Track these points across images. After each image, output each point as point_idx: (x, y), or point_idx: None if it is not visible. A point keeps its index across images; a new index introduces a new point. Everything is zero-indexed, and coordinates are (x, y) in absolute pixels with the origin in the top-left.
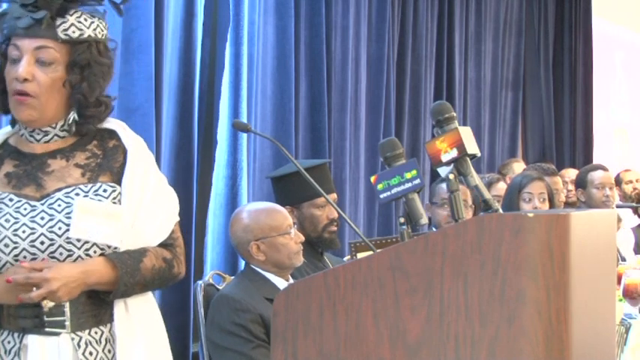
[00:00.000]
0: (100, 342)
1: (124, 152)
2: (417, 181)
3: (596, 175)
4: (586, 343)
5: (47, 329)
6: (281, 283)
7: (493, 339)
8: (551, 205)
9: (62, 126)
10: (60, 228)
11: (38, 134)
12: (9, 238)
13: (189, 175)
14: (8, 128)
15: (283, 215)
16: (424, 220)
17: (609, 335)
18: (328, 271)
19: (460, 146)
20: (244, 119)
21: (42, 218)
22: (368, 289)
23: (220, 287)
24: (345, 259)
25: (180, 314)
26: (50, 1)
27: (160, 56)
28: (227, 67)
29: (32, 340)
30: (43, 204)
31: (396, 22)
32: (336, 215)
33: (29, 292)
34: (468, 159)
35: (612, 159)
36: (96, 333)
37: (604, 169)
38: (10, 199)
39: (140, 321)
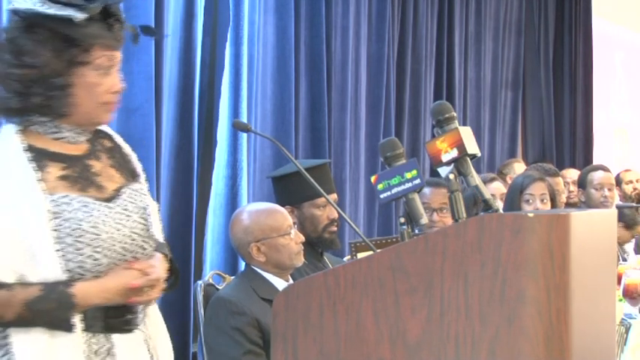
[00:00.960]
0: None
1: (121, 151)
2: (418, 181)
3: (595, 176)
4: (586, 343)
5: (128, 327)
6: (281, 284)
7: (493, 339)
8: (553, 205)
9: None
10: (139, 228)
11: (80, 135)
12: (106, 241)
13: (189, 175)
14: (11, 131)
15: (283, 216)
16: (424, 220)
17: (609, 335)
18: (328, 271)
19: (460, 146)
20: (244, 119)
21: (122, 220)
22: (368, 289)
23: (220, 287)
24: (345, 259)
25: (180, 314)
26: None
27: (160, 56)
28: (227, 67)
29: (117, 338)
30: (117, 205)
31: (396, 22)
32: (336, 215)
33: (140, 293)
34: (468, 159)
35: (612, 159)
36: (145, 325)
37: (605, 169)
38: (91, 202)
39: (157, 312)
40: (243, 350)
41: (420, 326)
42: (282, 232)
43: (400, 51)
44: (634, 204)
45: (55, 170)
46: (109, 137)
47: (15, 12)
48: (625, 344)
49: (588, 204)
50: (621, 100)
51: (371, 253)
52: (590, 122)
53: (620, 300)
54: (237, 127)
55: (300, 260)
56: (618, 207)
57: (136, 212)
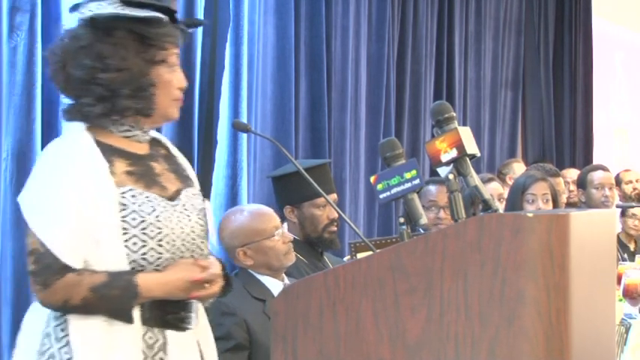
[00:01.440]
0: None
1: (176, 160)
2: (417, 181)
3: (595, 176)
4: (586, 343)
5: (183, 325)
6: (275, 283)
7: (493, 339)
8: (555, 205)
9: None
10: (198, 229)
11: (146, 134)
12: (169, 236)
13: None
14: (80, 127)
15: (268, 218)
16: (424, 220)
17: (609, 335)
18: (328, 271)
19: (460, 146)
20: (244, 119)
21: (183, 219)
22: (368, 289)
23: None
24: (345, 259)
25: None
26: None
27: None
28: (227, 67)
29: (171, 335)
30: (178, 205)
31: (396, 22)
32: (336, 215)
33: (201, 288)
34: (468, 159)
35: (612, 159)
36: (197, 326)
37: (604, 169)
38: (155, 198)
39: (204, 315)
40: (224, 349)
41: (419, 326)
42: (266, 235)
43: (400, 51)
44: (634, 204)
45: (121, 165)
46: (165, 147)
47: (93, 18)
48: (625, 344)
49: (588, 204)
50: (621, 100)
51: (371, 253)
52: (590, 122)
53: (620, 300)
54: (236, 128)
55: (289, 259)
56: (619, 207)
57: (195, 213)
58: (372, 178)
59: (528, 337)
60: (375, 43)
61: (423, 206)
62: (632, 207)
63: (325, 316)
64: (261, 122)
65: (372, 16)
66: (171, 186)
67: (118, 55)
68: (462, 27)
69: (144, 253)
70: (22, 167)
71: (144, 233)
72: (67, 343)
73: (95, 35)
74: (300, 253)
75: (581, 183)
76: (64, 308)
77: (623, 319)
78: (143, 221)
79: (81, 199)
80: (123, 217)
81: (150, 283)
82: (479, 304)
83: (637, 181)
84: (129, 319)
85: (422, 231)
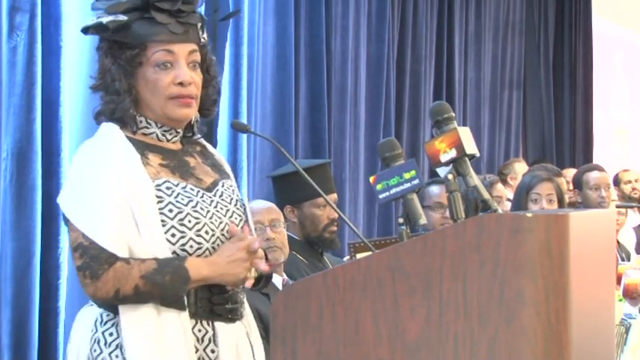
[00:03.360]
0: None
1: (212, 157)
2: (416, 181)
3: (591, 176)
4: (585, 343)
5: (231, 316)
6: (275, 279)
7: (492, 339)
8: (561, 206)
9: (186, 126)
10: (235, 218)
11: (171, 134)
12: (208, 226)
13: None
14: (113, 126)
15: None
16: (423, 221)
17: (609, 335)
18: (327, 271)
19: (459, 146)
20: (244, 119)
21: (222, 208)
22: (367, 289)
23: None
24: (345, 259)
25: None
26: (192, 6)
27: None
28: (227, 67)
29: (219, 327)
30: (214, 195)
31: (396, 22)
32: (336, 215)
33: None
34: (467, 159)
35: (612, 159)
36: (246, 319)
37: (599, 169)
38: (192, 189)
39: (248, 306)
40: None
41: (419, 327)
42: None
43: (400, 51)
44: (634, 204)
45: (155, 159)
46: (201, 144)
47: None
48: (625, 344)
49: (585, 205)
50: (621, 100)
51: (370, 253)
52: (590, 122)
53: (620, 300)
54: (235, 128)
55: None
56: (618, 207)
57: (233, 204)
58: (372, 179)
59: (527, 338)
60: (374, 43)
61: (428, 206)
62: (633, 207)
63: (324, 316)
64: (261, 122)
65: (371, 16)
66: (208, 178)
67: (100, 64)
68: (462, 27)
69: (183, 244)
70: (22, 167)
71: (182, 224)
72: (117, 347)
73: (96, 49)
74: (300, 253)
75: (577, 184)
76: (115, 299)
77: (623, 319)
78: (180, 212)
79: (120, 190)
80: (160, 209)
81: (198, 265)
82: (478, 304)
83: (636, 181)
84: (182, 306)
85: (422, 231)
